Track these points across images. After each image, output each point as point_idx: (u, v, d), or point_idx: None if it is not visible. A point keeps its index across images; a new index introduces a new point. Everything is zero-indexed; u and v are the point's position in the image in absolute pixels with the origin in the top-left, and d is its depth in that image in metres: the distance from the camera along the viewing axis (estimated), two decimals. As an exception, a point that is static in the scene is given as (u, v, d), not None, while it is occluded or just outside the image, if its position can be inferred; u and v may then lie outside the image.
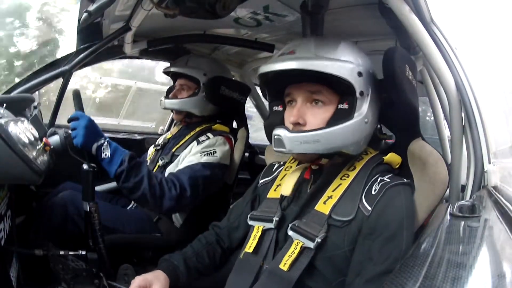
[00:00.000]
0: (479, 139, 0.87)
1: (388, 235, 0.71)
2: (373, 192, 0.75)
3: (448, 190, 0.83)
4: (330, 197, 0.78)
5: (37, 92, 1.34)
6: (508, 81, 1.19)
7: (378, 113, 0.82)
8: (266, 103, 1.99)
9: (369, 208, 0.73)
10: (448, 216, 0.69)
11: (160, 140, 1.62)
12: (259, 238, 0.83)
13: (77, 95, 1.15)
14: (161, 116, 2.48)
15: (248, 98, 1.73)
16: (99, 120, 1.61)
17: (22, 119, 1.05)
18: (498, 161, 0.88)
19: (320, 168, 0.84)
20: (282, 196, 0.87)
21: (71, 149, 1.10)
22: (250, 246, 0.83)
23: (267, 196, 0.91)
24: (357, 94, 0.75)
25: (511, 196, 0.70)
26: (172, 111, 1.60)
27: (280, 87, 0.84)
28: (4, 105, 1.08)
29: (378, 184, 0.76)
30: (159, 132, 2.38)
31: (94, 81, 2.80)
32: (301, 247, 0.75)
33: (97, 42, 1.39)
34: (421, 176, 0.82)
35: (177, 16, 1.00)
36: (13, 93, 1.27)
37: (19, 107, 1.21)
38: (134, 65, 2.77)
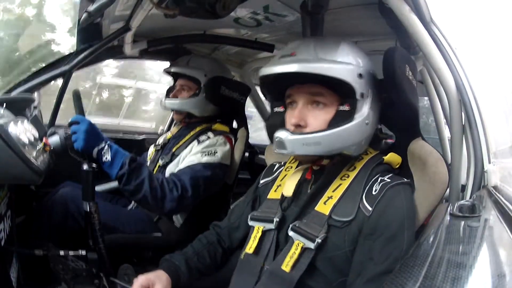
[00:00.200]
0: (479, 139, 0.87)
1: (389, 235, 0.71)
2: (373, 192, 0.75)
3: (448, 190, 0.83)
4: (330, 197, 0.78)
5: (36, 92, 1.35)
6: (508, 81, 1.19)
7: (379, 114, 0.82)
8: (266, 103, 2.00)
9: (370, 208, 0.73)
10: (448, 216, 0.69)
11: (160, 140, 1.62)
12: (260, 239, 0.83)
13: (77, 96, 1.15)
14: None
15: (248, 98, 1.73)
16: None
17: (22, 119, 1.05)
18: (498, 161, 0.88)
19: (321, 169, 0.84)
20: (282, 196, 0.87)
21: (70, 149, 1.10)
22: (250, 247, 0.83)
23: (268, 197, 0.91)
24: (358, 96, 0.75)
25: (511, 196, 0.71)
26: (172, 111, 1.60)
27: (281, 88, 0.84)
28: (4, 105, 1.08)
29: (379, 184, 0.76)
30: (158, 132, 2.38)
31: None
32: (301, 247, 0.75)
33: (97, 42, 1.39)
34: (421, 176, 0.83)
35: (177, 16, 1.00)
36: (13, 93, 1.27)
37: (19, 107, 1.21)
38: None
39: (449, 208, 0.72)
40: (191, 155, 1.35)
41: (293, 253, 0.75)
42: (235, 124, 1.65)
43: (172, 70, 1.52)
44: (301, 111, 0.78)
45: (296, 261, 0.74)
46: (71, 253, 1.08)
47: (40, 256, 1.06)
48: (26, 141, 0.91)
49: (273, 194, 0.90)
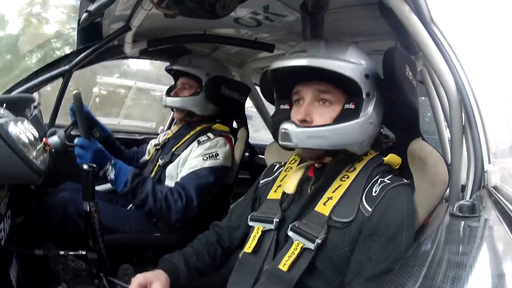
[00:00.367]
0: (479, 139, 0.87)
1: (389, 235, 0.71)
2: (373, 194, 0.75)
3: (448, 190, 0.83)
4: (330, 198, 0.78)
5: (37, 92, 1.35)
6: (508, 81, 1.19)
7: (382, 115, 0.83)
8: (266, 103, 2.00)
9: (370, 209, 0.73)
10: (448, 216, 0.69)
11: (160, 138, 1.62)
12: (259, 239, 0.83)
13: (78, 98, 1.15)
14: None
15: (248, 98, 1.73)
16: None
17: (22, 119, 1.05)
18: (498, 161, 0.88)
19: (323, 167, 0.84)
20: (282, 197, 0.87)
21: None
22: (249, 246, 0.83)
23: (268, 197, 0.91)
24: (364, 95, 0.77)
25: (511, 196, 0.70)
26: (172, 109, 1.60)
27: (289, 85, 0.85)
28: (4, 105, 1.08)
29: (379, 186, 0.76)
30: (159, 132, 2.38)
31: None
32: (301, 248, 0.75)
33: (97, 42, 1.39)
34: (421, 176, 0.83)
35: (177, 16, 1.00)
36: (13, 93, 1.27)
37: (19, 107, 1.21)
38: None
39: (449, 208, 0.72)
40: (193, 158, 1.36)
41: (292, 252, 0.75)
42: (235, 124, 1.65)
43: (174, 68, 1.52)
44: (307, 107, 0.79)
45: (295, 261, 0.74)
46: (71, 253, 1.08)
47: (40, 256, 1.06)
48: (26, 141, 0.91)
49: (273, 195, 0.90)
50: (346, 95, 0.79)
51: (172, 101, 1.50)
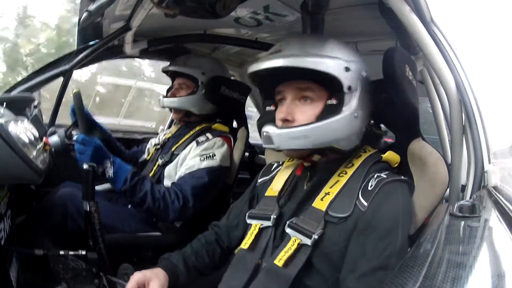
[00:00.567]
0: (479, 139, 0.87)
1: (383, 231, 0.70)
2: (369, 188, 0.75)
3: (448, 190, 0.83)
4: (327, 193, 0.78)
5: (37, 92, 1.34)
6: (508, 81, 1.19)
7: (370, 108, 0.82)
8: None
9: (365, 204, 0.73)
10: (448, 216, 0.69)
11: (160, 137, 1.62)
12: (256, 236, 0.83)
13: (78, 97, 1.15)
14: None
15: (248, 98, 1.73)
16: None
17: (22, 118, 1.05)
18: (498, 161, 0.88)
19: (313, 165, 0.84)
20: (279, 194, 0.87)
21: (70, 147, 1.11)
22: (245, 242, 0.83)
23: (265, 195, 0.91)
24: (345, 89, 0.75)
25: (511, 196, 0.71)
26: (170, 110, 1.60)
27: (271, 86, 0.85)
28: (4, 104, 1.08)
29: (375, 180, 0.76)
30: (159, 131, 2.38)
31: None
32: (298, 244, 0.75)
33: (97, 41, 1.39)
34: (421, 176, 0.82)
35: (177, 16, 1.00)
36: (13, 93, 1.27)
37: (19, 106, 1.21)
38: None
39: (449, 208, 0.72)
40: (190, 159, 1.36)
41: (289, 248, 0.75)
42: (235, 124, 1.65)
43: (170, 69, 1.52)
44: (289, 106, 0.79)
45: (292, 257, 0.74)
46: (71, 252, 1.08)
47: (40, 255, 1.06)
48: (26, 140, 0.91)
49: (270, 192, 0.90)
50: (327, 91, 0.78)
51: (169, 101, 1.51)
